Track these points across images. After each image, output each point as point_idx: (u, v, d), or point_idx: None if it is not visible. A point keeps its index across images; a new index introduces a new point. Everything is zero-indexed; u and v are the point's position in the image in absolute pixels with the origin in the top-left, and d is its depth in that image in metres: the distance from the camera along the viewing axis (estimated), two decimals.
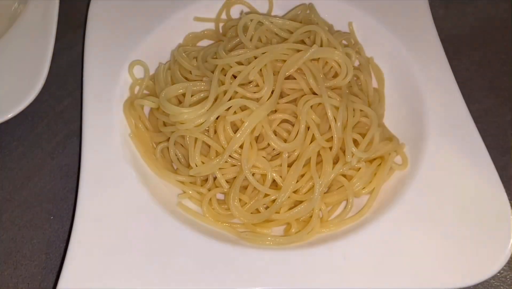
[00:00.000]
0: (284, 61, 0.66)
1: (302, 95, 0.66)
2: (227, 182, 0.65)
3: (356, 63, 0.74)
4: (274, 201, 0.63)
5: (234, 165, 0.65)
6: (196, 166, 0.64)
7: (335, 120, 0.63)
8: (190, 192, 0.66)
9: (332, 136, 0.64)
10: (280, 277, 0.56)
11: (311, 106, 0.65)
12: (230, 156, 0.64)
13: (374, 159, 0.67)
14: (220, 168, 0.64)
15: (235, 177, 0.65)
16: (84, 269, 0.56)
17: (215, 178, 0.65)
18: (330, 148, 0.64)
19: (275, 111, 0.66)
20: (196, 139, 0.65)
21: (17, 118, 0.69)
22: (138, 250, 0.58)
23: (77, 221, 0.58)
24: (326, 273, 0.57)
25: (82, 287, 0.55)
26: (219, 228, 0.63)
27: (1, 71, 0.70)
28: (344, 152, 0.65)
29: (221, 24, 0.81)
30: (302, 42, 0.71)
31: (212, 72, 0.68)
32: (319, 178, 0.63)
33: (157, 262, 0.57)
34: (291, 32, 0.72)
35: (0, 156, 0.72)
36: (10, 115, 0.65)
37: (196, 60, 0.72)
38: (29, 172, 0.70)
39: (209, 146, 0.65)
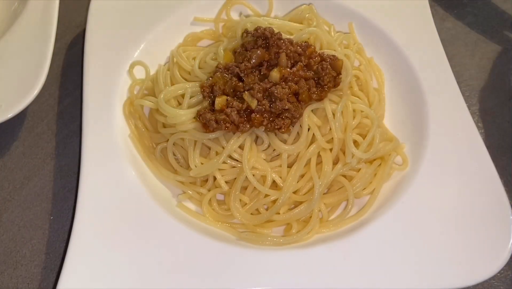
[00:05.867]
0: None
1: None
2: (226, 182, 0.65)
3: (356, 63, 0.74)
4: (274, 201, 0.63)
5: (234, 167, 0.65)
6: (196, 166, 0.64)
7: (335, 121, 0.63)
8: (190, 192, 0.66)
9: (332, 138, 0.64)
10: (280, 277, 0.56)
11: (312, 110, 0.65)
12: (230, 156, 0.64)
13: (374, 160, 0.67)
14: (219, 169, 0.64)
15: (234, 179, 0.65)
16: (84, 269, 0.56)
17: (215, 179, 0.65)
18: (331, 150, 0.64)
19: None
20: (195, 141, 0.65)
21: (17, 118, 0.69)
22: (138, 250, 0.58)
23: (77, 221, 0.58)
24: (326, 273, 0.57)
25: (82, 287, 0.55)
26: (219, 228, 0.63)
27: (1, 71, 0.70)
28: (344, 153, 0.65)
29: (221, 24, 0.81)
30: None
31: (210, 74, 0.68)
32: (319, 178, 0.63)
33: (157, 262, 0.57)
34: (291, 34, 0.72)
35: (0, 156, 0.72)
36: (10, 115, 0.65)
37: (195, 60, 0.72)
38: (29, 172, 0.70)
39: (209, 148, 0.65)
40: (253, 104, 0.61)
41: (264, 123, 0.62)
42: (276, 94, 0.61)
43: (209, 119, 0.62)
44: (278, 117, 0.62)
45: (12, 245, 0.65)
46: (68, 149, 0.73)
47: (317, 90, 0.64)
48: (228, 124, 0.61)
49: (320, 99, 0.64)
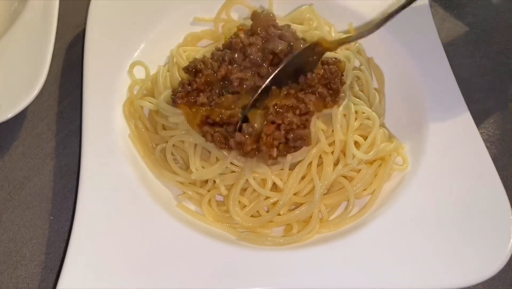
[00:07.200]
0: None
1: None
2: (225, 186, 0.65)
3: (357, 63, 0.74)
4: (274, 203, 0.63)
5: (233, 171, 0.65)
6: (197, 170, 0.64)
7: (337, 123, 0.63)
8: (190, 193, 0.66)
9: (334, 140, 0.64)
10: (280, 277, 0.56)
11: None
12: (230, 162, 0.63)
13: (375, 160, 0.67)
14: (219, 174, 0.64)
15: (233, 184, 0.65)
16: (84, 269, 0.56)
17: (214, 181, 0.65)
18: (332, 152, 0.64)
19: None
20: (195, 144, 0.65)
21: (17, 118, 0.69)
22: (138, 250, 0.58)
23: (77, 221, 0.58)
24: (326, 273, 0.57)
25: (82, 287, 0.55)
26: (219, 228, 0.63)
27: (1, 71, 0.70)
28: (345, 154, 0.65)
29: (220, 24, 0.81)
30: None
31: None
32: (320, 180, 0.63)
33: (157, 262, 0.57)
34: None
35: (0, 156, 0.72)
36: (10, 115, 0.65)
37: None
38: (29, 172, 0.70)
39: (209, 152, 0.65)
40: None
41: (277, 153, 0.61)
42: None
43: (207, 131, 0.62)
44: (294, 147, 0.62)
45: (12, 245, 0.65)
46: (68, 149, 0.73)
47: (331, 98, 0.63)
48: (222, 146, 0.61)
49: (333, 106, 0.64)
